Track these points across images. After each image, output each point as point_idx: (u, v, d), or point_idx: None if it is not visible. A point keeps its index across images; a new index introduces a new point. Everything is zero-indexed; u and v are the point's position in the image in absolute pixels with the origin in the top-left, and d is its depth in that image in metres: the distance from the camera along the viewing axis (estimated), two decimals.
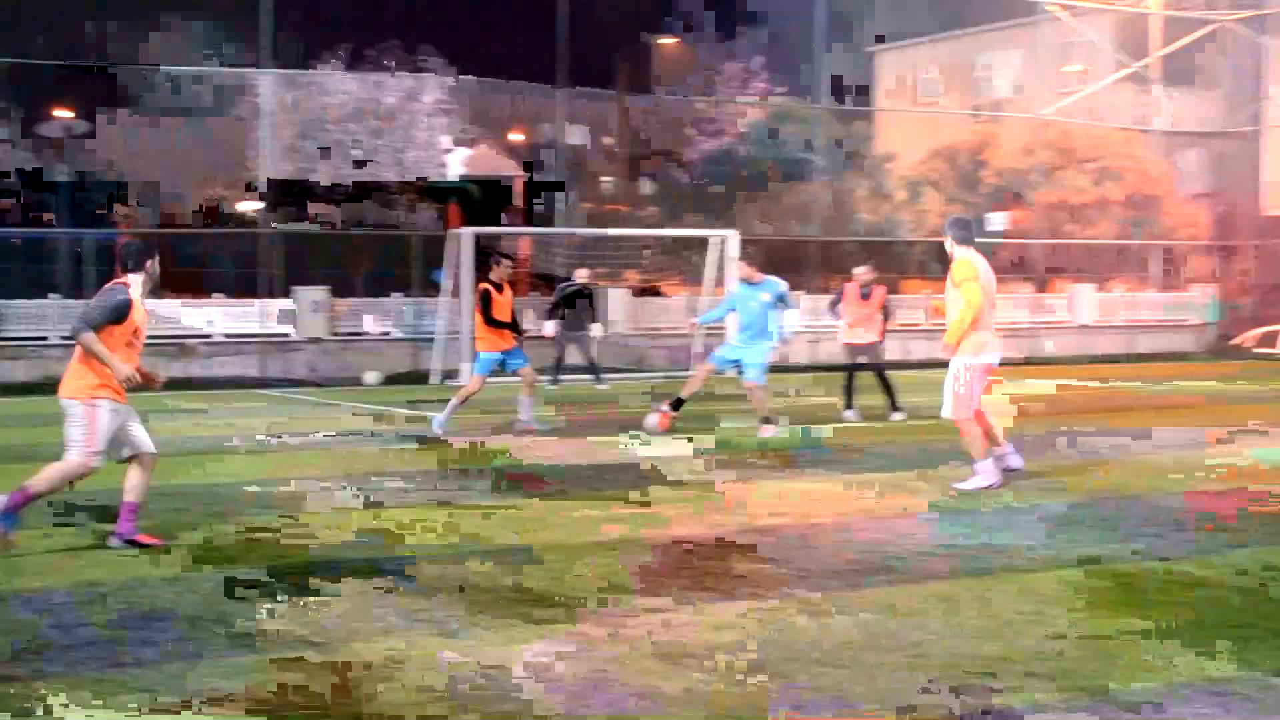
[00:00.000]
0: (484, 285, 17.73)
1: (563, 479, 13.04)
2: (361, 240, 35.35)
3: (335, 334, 30.82)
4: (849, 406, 18.98)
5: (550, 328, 24.38)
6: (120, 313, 9.52)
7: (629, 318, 32.98)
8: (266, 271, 31.09)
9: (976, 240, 12.71)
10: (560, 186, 39.40)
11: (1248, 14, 43.23)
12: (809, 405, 20.71)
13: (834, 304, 19.64)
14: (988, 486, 12.05)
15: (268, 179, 32.71)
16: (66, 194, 36.11)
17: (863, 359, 19.24)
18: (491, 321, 17.25)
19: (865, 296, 19.12)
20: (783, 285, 16.93)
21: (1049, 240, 40.06)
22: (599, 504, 11.43)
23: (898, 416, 18.61)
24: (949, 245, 12.48)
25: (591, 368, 25.67)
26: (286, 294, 30.72)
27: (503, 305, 17.38)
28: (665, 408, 17.26)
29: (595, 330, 25.72)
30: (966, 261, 12.29)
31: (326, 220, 35.51)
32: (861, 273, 19.30)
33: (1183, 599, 7.87)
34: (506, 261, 18.27)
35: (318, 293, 30.52)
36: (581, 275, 25.60)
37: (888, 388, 18.98)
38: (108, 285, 9.75)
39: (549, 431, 17.29)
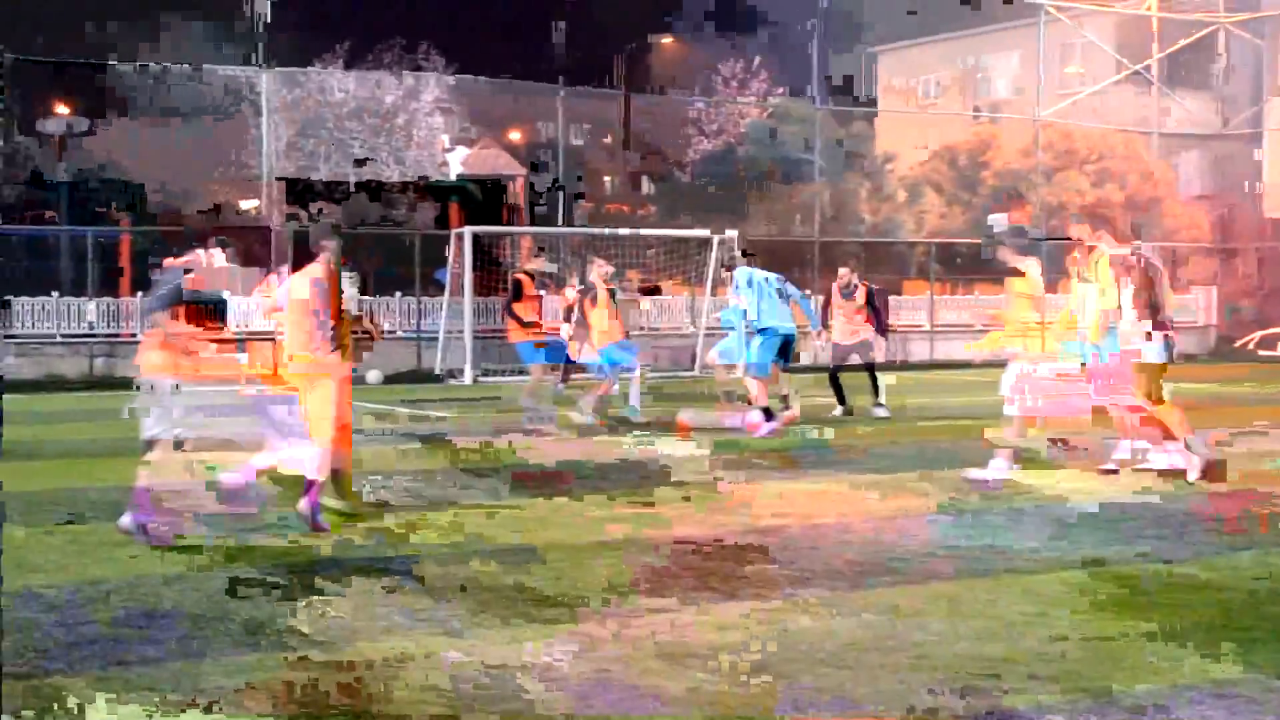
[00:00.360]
0: (518, 275, 17.78)
1: (566, 479, 13.03)
2: (364, 239, 35.36)
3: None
4: (841, 403, 19.08)
5: (565, 330, 24.43)
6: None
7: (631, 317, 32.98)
8: (272, 269, 31.08)
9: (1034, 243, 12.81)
10: (560, 186, 39.45)
11: (1248, 15, 43.24)
12: (809, 405, 20.68)
13: (824, 308, 19.88)
14: (986, 482, 12.10)
15: (273, 177, 32.72)
16: (67, 192, 36.16)
17: (854, 358, 19.37)
18: (510, 312, 17.32)
19: (848, 297, 19.37)
20: (738, 278, 16.82)
21: (1049, 240, 40.06)
22: (603, 504, 11.42)
23: (881, 413, 18.67)
24: (1005, 254, 12.57)
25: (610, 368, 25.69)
26: None
27: (534, 297, 17.46)
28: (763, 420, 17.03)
29: None
30: (1026, 275, 12.44)
31: (329, 219, 35.53)
32: (843, 274, 19.60)
33: (1187, 601, 7.86)
34: (545, 257, 18.38)
35: None
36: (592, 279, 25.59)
37: (875, 384, 19.06)
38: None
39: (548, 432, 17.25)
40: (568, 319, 24.83)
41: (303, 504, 10.05)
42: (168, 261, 10.13)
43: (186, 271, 10.09)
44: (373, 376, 27.90)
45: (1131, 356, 12.48)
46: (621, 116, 43.95)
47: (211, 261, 10.12)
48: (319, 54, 37.04)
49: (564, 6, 34.60)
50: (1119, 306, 12.50)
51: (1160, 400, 12.56)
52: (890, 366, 19.57)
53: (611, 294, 18.39)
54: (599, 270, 18.22)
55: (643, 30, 45.86)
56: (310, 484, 10.09)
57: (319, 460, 10.12)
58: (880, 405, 18.90)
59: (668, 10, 47.09)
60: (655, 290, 35.49)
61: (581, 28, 35.79)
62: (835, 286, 19.70)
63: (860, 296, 19.43)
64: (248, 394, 10.05)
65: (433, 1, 43.04)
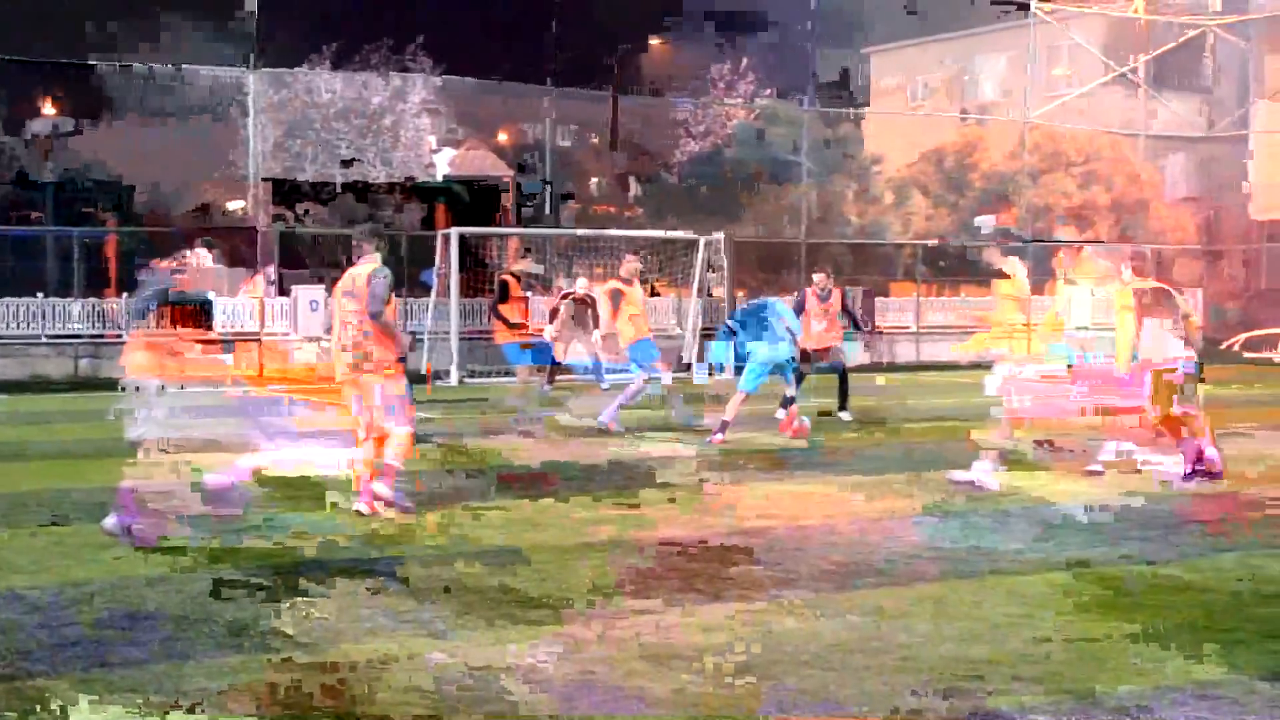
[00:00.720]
0: (504, 276, 17.78)
1: (552, 480, 13.01)
2: (351, 240, 35.30)
3: (330, 332, 30.74)
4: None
5: (550, 331, 24.42)
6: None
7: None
8: (258, 269, 31.00)
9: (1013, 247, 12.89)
10: (548, 183, 39.38)
11: (1235, 18, 43.33)
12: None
13: (798, 312, 19.90)
14: (973, 483, 12.12)
15: (259, 178, 32.62)
16: (53, 192, 36.07)
17: (822, 362, 19.37)
18: (496, 313, 17.33)
19: (824, 300, 19.43)
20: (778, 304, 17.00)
21: (1035, 242, 40.13)
22: (588, 505, 11.41)
23: (844, 416, 18.66)
24: (991, 256, 12.63)
25: (596, 369, 25.68)
26: (285, 292, 30.57)
27: (521, 299, 17.48)
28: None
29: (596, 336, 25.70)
30: (1013, 277, 12.50)
31: (317, 219, 35.47)
32: (819, 279, 19.65)
33: (1170, 603, 7.88)
34: (531, 258, 18.38)
35: (316, 291, 30.36)
36: (581, 284, 25.56)
37: (844, 390, 19.02)
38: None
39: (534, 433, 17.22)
40: (552, 320, 24.84)
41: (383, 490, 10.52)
42: (154, 263, 10.15)
43: (173, 273, 10.10)
44: None
45: (1160, 366, 12.46)
46: (609, 118, 43.91)
47: (198, 262, 10.14)
48: (307, 55, 36.96)
49: (552, 8, 34.51)
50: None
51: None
52: (876, 368, 19.51)
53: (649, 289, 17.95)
54: (626, 267, 17.97)
55: (631, 32, 45.82)
56: (388, 469, 10.52)
57: (406, 445, 10.54)
58: (845, 410, 18.84)
59: (657, 12, 47.02)
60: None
61: (570, 29, 35.77)
62: (812, 290, 19.69)
63: (836, 300, 19.50)
64: (232, 395, 10.04)
65: (421, 2, 42.96)
